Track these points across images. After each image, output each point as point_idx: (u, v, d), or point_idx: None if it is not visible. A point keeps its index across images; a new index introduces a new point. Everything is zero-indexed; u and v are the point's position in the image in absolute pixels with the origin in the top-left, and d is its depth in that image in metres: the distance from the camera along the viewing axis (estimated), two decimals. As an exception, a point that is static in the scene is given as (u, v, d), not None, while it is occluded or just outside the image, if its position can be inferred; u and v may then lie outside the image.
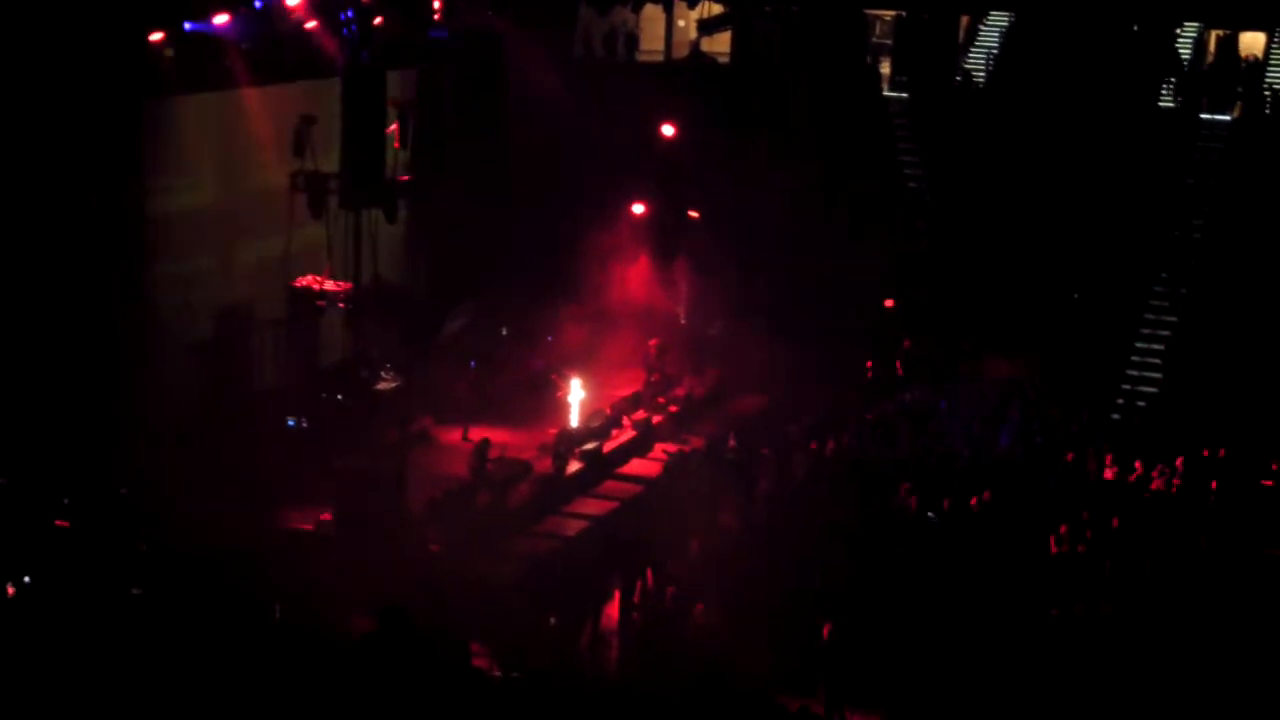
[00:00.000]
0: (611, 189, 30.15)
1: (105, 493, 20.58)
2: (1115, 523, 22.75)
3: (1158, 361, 29.82)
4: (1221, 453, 24.97)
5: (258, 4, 23.44)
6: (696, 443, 26.48)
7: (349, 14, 23.93)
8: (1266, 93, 32.56)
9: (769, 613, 19.69)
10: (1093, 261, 30.64)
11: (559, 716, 15.53)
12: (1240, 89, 32.89)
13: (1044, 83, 32.54)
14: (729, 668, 17.06)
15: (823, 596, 19.80)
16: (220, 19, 22.81)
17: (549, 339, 29.05)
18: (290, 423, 24.16)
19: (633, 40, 34.78)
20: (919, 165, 33.41)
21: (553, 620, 20.07)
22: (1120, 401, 28.88)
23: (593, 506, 24.24)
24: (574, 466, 24.96)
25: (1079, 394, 28.25)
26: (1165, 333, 30.03)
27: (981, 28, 36.01)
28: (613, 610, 21.14)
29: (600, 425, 26.29)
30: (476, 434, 24.34)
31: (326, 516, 21.53)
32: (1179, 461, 24.73)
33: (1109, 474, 24.95)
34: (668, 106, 31.14)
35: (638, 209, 30.59)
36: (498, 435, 24.68)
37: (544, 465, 24.68)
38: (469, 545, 21.40)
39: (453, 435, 25.66)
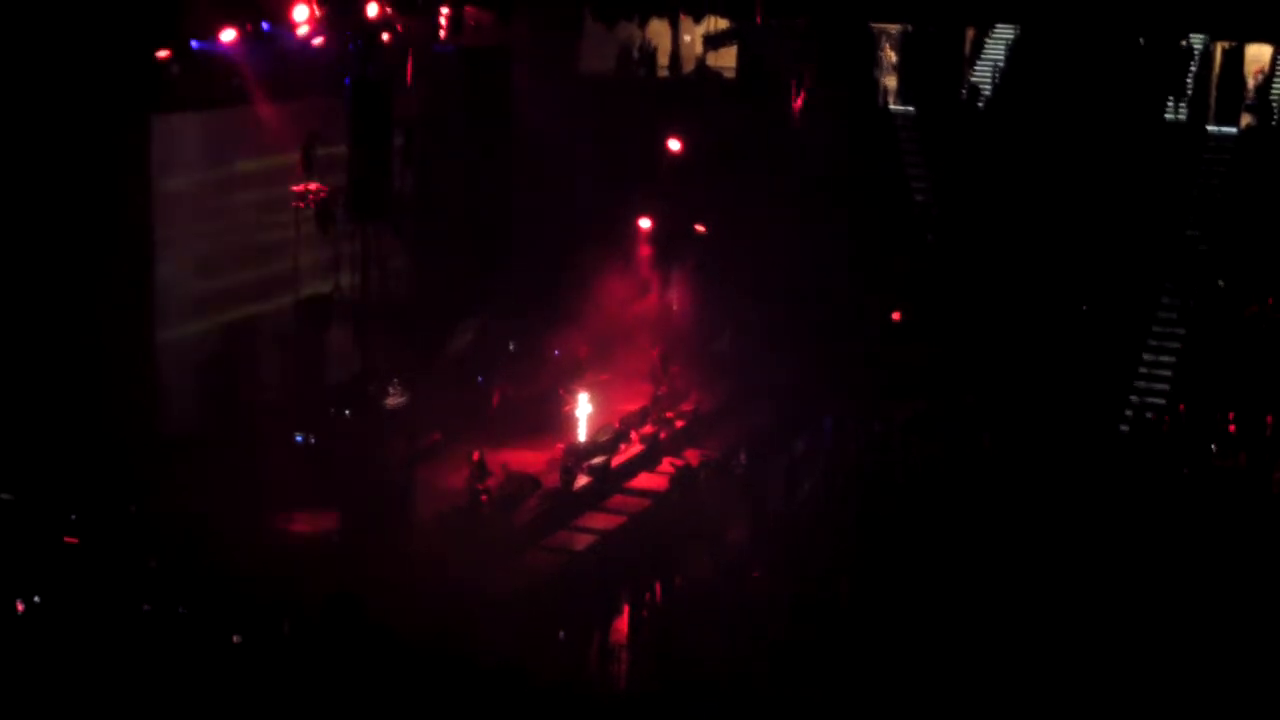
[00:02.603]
0: (618, 203, 30.17)
1: (113, 509, 20.58)
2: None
3: (1165, 374, 29.74)
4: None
5: (265, 25, 23.52)
6: (705, 456, 26.44)
7: (355, 31, 24.04)
8: (1274, 104, 32.52)
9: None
10: (1100, 274, 30.58)
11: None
12: (1247, 101, 32.85)
13: (1050, 95, 32.50)
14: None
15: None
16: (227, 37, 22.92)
17: (556, 353, 29.03)
18: (298, 439, 24.16)
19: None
20: (926, 178, 33.38)
21: (561, 634, 20.04)
22: (1128, 413, 28.81)
23: (601, 521, 24.24)
24: (582, 481, 24.96)
25: (1086, 407, 28.23)
26: (1173, 344, 29.97)
27: (987, 41, 35.96)
28: (622, 624, 21.12)
29: (608, 440, 26.26)
30: (478, 453, 24.25)
31: (334, 530, 21.54)
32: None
33: None
34: (674, 121, 31.16)
35: (644, 223, 30.62)
36: (505, 450, 24.66)
37: (552, 480, 24.68)
38: (476, 558, 21.38)
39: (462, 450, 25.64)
